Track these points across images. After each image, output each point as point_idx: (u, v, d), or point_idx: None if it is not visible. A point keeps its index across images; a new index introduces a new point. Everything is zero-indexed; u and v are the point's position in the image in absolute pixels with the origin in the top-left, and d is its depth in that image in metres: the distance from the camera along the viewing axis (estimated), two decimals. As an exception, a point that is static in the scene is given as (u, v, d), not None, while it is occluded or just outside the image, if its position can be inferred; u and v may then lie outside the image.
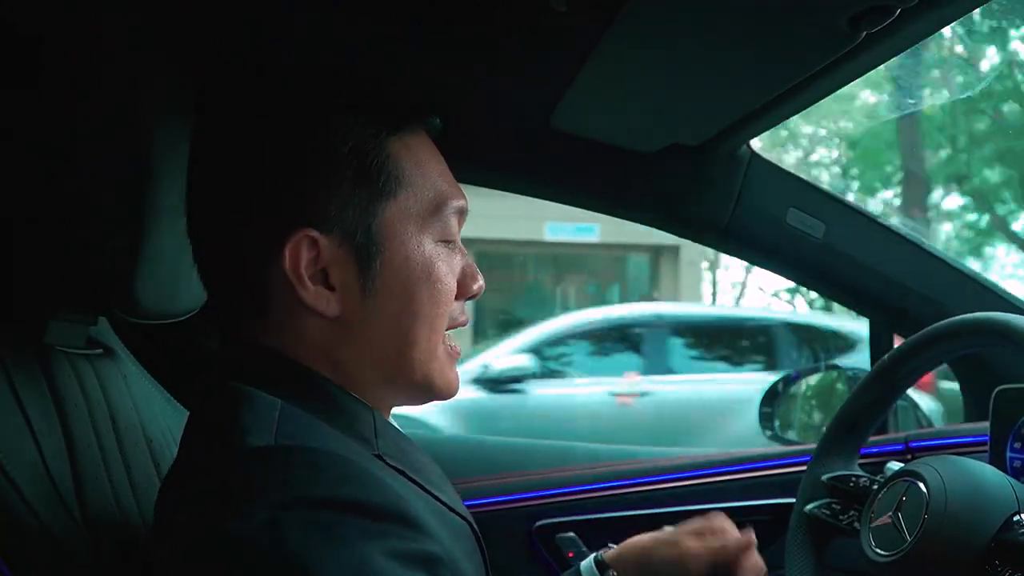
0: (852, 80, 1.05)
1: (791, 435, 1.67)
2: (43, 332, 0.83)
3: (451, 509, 0.79)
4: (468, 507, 0.85)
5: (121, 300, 0.82)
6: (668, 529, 1.03)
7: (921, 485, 0.94)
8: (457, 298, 0.81)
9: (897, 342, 1.51)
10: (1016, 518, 0.87)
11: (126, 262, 0.80)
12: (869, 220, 1.43)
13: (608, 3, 0.91)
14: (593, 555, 1.04)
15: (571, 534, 1.52)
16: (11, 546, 0.70)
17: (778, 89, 1.08)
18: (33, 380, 0.79)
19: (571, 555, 1.50)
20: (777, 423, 1.69)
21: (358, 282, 0.75)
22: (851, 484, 1.13)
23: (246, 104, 0.78)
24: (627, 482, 1.54)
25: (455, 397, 0.83)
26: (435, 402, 0.83)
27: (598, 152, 1.37)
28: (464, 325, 0.84)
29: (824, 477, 1.15)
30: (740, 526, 1.44)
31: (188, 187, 0.79)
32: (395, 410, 0.87)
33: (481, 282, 0.84)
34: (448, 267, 0.79)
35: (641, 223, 1.55)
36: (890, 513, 0.97)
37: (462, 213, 0.81)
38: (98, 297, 0.81)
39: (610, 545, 1.07)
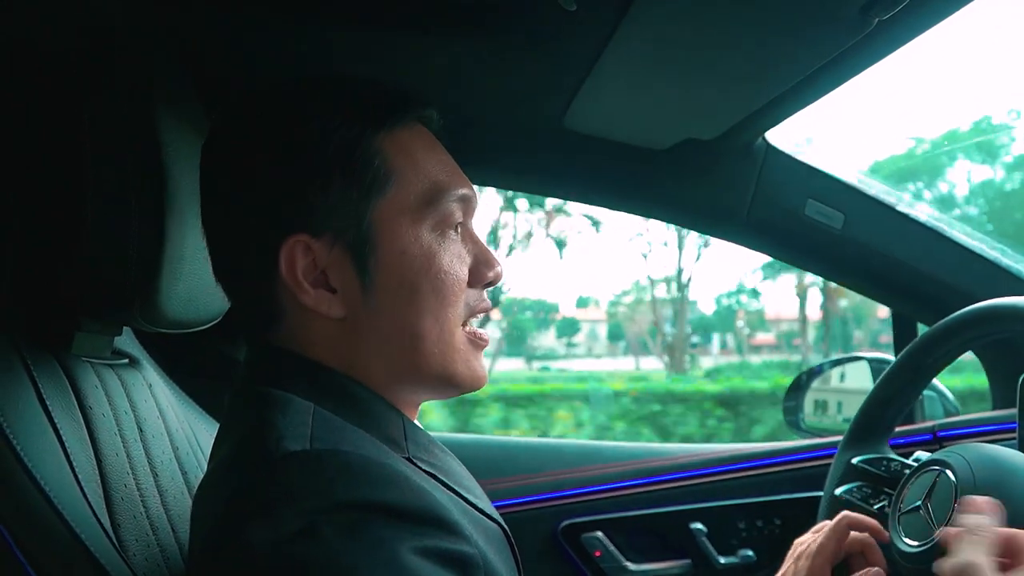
0: (866, 68, 1.04)
1: (817, 428, 1.65)
2: (70, 343, 0.84)
3: (482, 512, 0.78)
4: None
5: (145, 310, 0.83)
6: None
7: (949, 473, 0.93)
8: (471, 286, 0.80)
9: (922, 331, 1.49)
10: (1047, 503, 0.86)
11: (148, 273, 0.81)
12: (889, 209, 1.41)
13: (617, 1, 0.91)
14: None
15: (598, 533, 1.51)
16: (40, 554, 0.71)
17: (791, 80, 1.07)
18: (60, 391, 0.80)
19: (598, 554, 1.50)
20: (802, 416, 1.67)
21: (357, 281, 0.75)
22: (882, 468, 1.12)
23: (234, 116, 0.80)
24: (652, 479, 1.54)
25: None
26: (462, 393, 0.82)
27: (612, 150, 1.37)
28: (486, 311, 0.83)
29: (855, 460, 1.15)
30: (771, 520, 1.42)
31: (201, 201, 0.81)
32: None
33: (498, 268, 0.82)
34: (453, 256, 0.78)
35: (658, 220, 1.55)
36: (919, 503, 0.96)
37: (465, 200, 0.80)
38: (122, 308, 0.82)
39: None
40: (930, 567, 0.90)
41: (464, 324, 0.80)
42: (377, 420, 0.75)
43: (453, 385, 0.80)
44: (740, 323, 15.17)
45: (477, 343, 0.81)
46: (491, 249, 0.83)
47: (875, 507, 1.08)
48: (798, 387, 1.69)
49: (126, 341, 1.00)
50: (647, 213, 1.55)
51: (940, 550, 0.90)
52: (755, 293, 14.98)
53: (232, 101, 0.81)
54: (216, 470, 0.73)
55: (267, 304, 0.76)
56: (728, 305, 15.05)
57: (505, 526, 0.81)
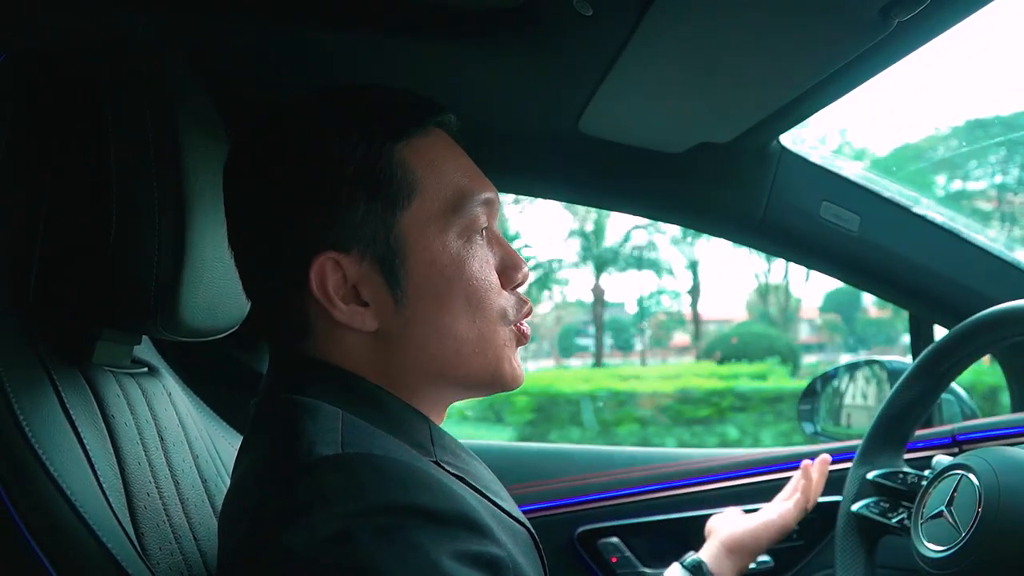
0: (884, 69, 1.04)
1: (831, 432, 1.64)
2: (91, 353, 0.85)
3: (509, 515, 0.78)
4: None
5: (165, 319, 0.83)
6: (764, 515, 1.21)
7: (972, 477, 0.93)
8: (504, 288, 0.80)
9: (939, 333, 1.49)
10: (1074, 506, 0.85)
11: (170, 282, 0.81)
12: (905, 211, 1.41)
13: (633, 5, 0.91)
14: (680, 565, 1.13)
15: (614, 539, 1.51)
16: (66, 562, 0.71)
17: (809, 83, 1.07)
18: (84, 400, 0.80)
19: (614, 560, 1.50)
20: (817, 420, 1.66)
21: (389, 294, 0.75)
22: (898, 481, 1.11)
23: (255, 136, 0.79)
24: (668, 485, 1.53)
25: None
26: (502, 392, 0.81)
27: (627, 154, 1.36)
28: (527, 317, 0.82)
29: (870, 475, 1.14)
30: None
31: (226, 218, 0.80)
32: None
33: (525, 270, 0.82)
34: (481, 260, 0.78)
35: (673, 223, 1.55)
36: (942, 508, 0.95)
37: (488, 204, 0.80)
38: (143, 317, 0.82)
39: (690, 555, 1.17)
40: (957, 571, 0.90)
41: (510, 325, 0.80)
42: (404, 426, 0.75)
43: (496, 384, 0.80)
44: (645, 326, 15.61)
45: (520, 338, 0.81)
46: (516, 251, 0.82)
47: (894, 521, 1.07)
48: (813, 391, 1.68)
49: (144, 350, 1.00)
50: (662, 217, 1.54)
51: (967, 554, 0.89)
52: (676, 294, 15.18)
53: (252, 120, 0.80)
54: (245, 476, 0.72)
55: (297, 319, 0.76)
56: (648, 307, 15.26)
57: (531, 529, 0.81)
